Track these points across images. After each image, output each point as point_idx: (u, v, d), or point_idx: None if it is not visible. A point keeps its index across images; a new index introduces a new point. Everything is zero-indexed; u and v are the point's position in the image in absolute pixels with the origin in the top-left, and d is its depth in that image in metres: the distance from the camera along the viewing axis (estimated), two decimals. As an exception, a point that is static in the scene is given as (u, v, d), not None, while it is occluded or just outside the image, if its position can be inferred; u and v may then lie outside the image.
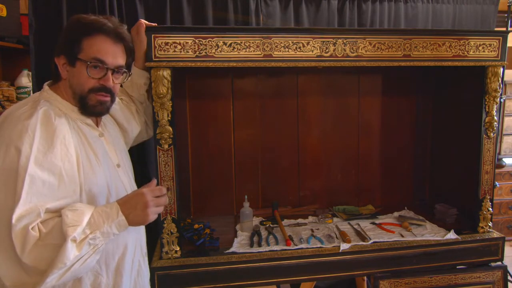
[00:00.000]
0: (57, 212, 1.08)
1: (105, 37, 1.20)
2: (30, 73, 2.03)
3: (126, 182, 1.37)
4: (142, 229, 1.44)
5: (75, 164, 1.14)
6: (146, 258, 1.45)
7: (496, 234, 1.88)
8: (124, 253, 1.28)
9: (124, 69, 1.28)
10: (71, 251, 1.01)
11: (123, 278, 1.26)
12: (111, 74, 1.22)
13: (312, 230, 1.92)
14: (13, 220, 0.99)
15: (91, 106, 1.22)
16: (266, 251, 1.70)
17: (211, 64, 1.55)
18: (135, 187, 1.45)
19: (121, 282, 1.26)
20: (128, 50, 1.30)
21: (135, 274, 1.35)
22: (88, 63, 1.17)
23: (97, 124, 1.32)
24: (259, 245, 1.74)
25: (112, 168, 1.31)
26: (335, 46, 1.64)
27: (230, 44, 1.55)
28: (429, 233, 1.87)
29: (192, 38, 1.52)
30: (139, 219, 1.13)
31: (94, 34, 1.19)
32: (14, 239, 1.00)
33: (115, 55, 1.22)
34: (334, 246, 1.74)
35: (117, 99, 1.52)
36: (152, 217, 1.15)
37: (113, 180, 1.29)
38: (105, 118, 1.41)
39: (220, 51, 1.55)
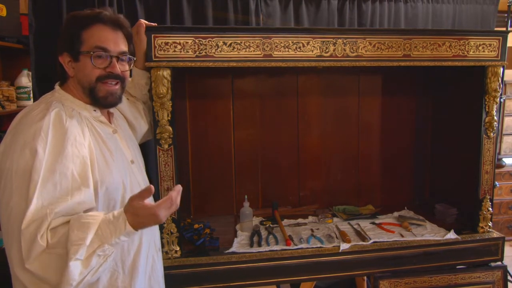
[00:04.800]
0: (69, 215, 1.06)
1: (103, 25, 1.20)
2: (30, 73, 2.03)
3: (140, 178, 1.37)
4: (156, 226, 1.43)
5: (87, 164, 1.13)
6: (160, 253, 1.45)
7: (496, 234, 1.88)
8: (139, 249, 1.28)
9: (129, 55, 1.28)
10: (76, 271, 0.99)
11: (139, 274, 1.27)
12: (116, 61, 1.22)
13: (312, 230, 1.92)
14: (23, 225, 0.99)
15: (102, 98, 1.22)
16: (266, 251, 1.70)
17: (211, 64, 1.55)
18: (148, 183, 1.43)
19: (137, 277, 1.26)
20: (128, 37, 1.29)
21: (150, 270, 1.35)
22: (92, 53, 1.17)
23: (109, 121, 1.32)
24: (259, 245, 1.74)
25: (127, 164, 1.31)
26: (335, 46, 1.64)
27: (230, 44, 1.55)
28: (429, 233, 1.87)
29: (192, 38, 1.52)
30: (152, 225, 1.14)
31: (92, 24, 1.19)
32: (22, 244, 0.99)
33: (116, 42, 1.22)
34: (334, 246, 1.74)
35: (124, 98, 1.53)
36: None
37: (127, 176, 1.28)
38: (117, 114, 1.41)
39: (220, 51, 1.55)
